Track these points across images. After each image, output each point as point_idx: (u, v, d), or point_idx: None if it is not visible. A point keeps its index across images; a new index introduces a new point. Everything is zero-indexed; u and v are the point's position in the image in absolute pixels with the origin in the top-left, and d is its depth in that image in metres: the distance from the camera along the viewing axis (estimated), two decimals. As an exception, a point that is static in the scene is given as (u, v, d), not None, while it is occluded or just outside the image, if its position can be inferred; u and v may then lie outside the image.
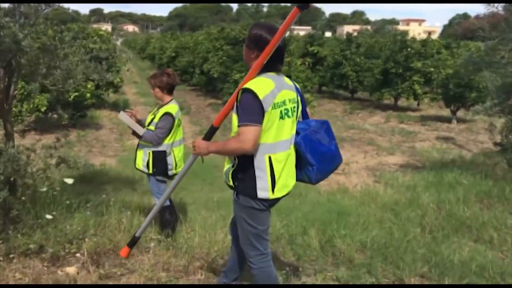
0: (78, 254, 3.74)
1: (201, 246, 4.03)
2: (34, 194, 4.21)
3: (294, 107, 2.67)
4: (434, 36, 41.58)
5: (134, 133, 4.35)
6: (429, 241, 4.63)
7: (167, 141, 4.35)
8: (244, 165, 2.56)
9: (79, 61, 4.14)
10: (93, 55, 4.36)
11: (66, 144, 4.27)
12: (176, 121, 4.37)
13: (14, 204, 3.79)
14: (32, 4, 3.88)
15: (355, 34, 25.53)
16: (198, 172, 8.19)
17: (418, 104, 18.69)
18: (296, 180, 2.77)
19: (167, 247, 4.02)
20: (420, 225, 5.16)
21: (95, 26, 19.86)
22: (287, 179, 2.64)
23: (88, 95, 12.45)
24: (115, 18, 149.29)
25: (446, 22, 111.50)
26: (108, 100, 16.30)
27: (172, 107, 4.39)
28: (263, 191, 2.55)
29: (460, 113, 15.37)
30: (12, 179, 3.76)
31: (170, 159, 4.38)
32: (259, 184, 2.55)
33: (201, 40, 22.30)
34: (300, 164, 2.71)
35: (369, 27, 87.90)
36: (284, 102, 2.57)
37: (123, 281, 3.47)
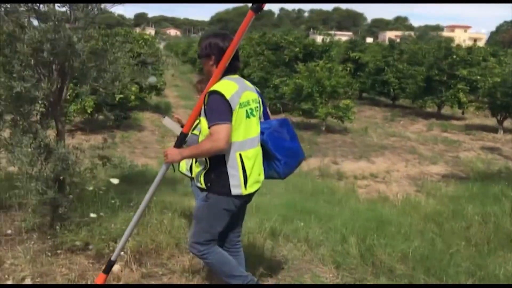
0: (121, 253, 3.83)
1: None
2: (81, 192, 4.35)
3: (256, 107, 2.81)
4: (480, 43, 40.38)
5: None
6: (474, 255, 4.50)
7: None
8: (216, 165, 2.66)
9: (127, 64, 4.25)
10: (140, 60, 4.46)
11: (112, 145, 4.38)
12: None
13: (62, 202, 3.92)
14: (84, 8, 4.02)
15: (397, 40, 25.08)
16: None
17: (462, 113, 18.19)
18: (265, 177, 2.86)
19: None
20: (465, 238, 5.01)
21: (139, 30, 20.34)
22: (257, 175, 2.76)
23: (132, 97, 12.78)
24: (159, 22, 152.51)
25: (492, 29, 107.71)
26: (150, 102, 16.66)
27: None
28: (237, 188, 2.65)
29: (507, 123, 14.85)
30: (61, 177, 3.90)
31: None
32: (232, 181, 2.65)
33: (242, 45, 22.45)
34: (268, 160, 2.83)
35: (412, 33, 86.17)
36: (248, 102, 2.71)
37: (164, 281, 3.53)
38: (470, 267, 4.05)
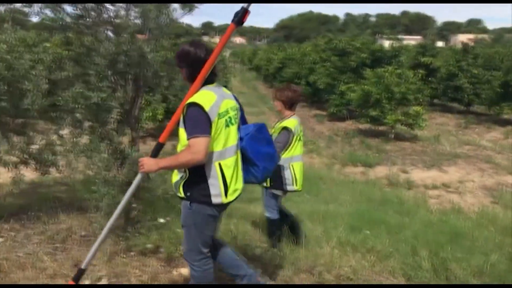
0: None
1: (306, 258, 4.01)
2: (152, 197, 4.50)
3: (235, 114, 2.83)
4: None
5: None
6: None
7: (285, 156, 4.25)
8: (196, 174, 2.68)
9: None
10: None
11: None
12: (295, 136, 4.27)
13: (134, 206, 4.08)
14: (155, 19, 4.17)
15: (471, 43, 23.92)
16: (303, 184, 8.20)
17: (544, 120, 17.01)
18: (244, 182, 2.88)
19: (273, 256, 4.06)
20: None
21: (208, 38, 20.87)
22: (237, 182, 2.80)
23: (200, 104, 13.09)
24: (224, 30, 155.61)
25: None
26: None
27: (291, 122, 4.27)
28: (217, 197, 2.70)
29: None
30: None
31: (287, 174, 4.26)
32: (212, 191, 2.69)
33: (308, 51, 22.41)
34: (247, 166, 2.87)
35: (486, 36, 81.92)
36: (227, 111, 2.73)
37: (232, 285, 3.57)
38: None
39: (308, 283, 3.67)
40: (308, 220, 5.85)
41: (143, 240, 3.99)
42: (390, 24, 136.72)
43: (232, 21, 2.64)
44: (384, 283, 3.76)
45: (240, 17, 2.61)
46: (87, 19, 3.91)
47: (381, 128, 14.60)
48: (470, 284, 3.51)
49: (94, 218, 4.49)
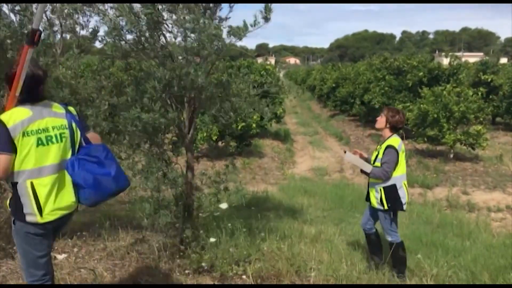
0: (243, 276, 3.95)
1: (361, 280, 3.94)
2: (206, 217, 4.60)
3: (62, 133, 2.72)
4: None
5: (363, 171, 4.43)
6: None
7: (395, 174, 4.30)
8: (14, 192, 2.63)
9: (248, 95, 4.45)
10: (264, 90, 4.64)
11: (233, 171, 4.59)
12: (401, 153, 4.32)
13: (188, 225, 4.18)
14: (211, 44, 4.31)
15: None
16: (357, 204, 8.08)
17: None
18: (79, 202, 2.79)
19: (327, 278, 4.02)
20: None
21: (260, 60, 21.18)
22: (56, 202, 2.68)
23: (254, 125, 13.26)
24: (279, 51, 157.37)
25: None
26: (270, 129, 17.12)
27: (394, 140, 4.36)
28: (31, 216, 2.61)
29: None
30: (185, 202, 4.17)
31: (402, 192, 4.31)
32: (25, 209, 2.61)
33: (362, 71, 22.18)
34: (75, 186, 2.75)
35: (555, 50, 77.68)
36: (44, 130, 2.64)
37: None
38: None
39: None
40: (363, 241, 5.74)
41: (197, 258, 4.07)
42: (449, 41, 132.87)
43: (26, 42, 2.57)
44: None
45: (30, 37, 2.54)
46: (146, 45, 4.11)
47: (439, 148, 14.12)
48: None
49: (150, 236, 4.66)
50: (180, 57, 4.08)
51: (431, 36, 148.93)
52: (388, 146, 4.29)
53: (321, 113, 28.76)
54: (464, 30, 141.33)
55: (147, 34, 4.05)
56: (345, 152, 4.54)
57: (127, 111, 3.95)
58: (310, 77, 40.68)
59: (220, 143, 13.45)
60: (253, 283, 3.78)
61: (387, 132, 4.43)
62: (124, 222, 5.23)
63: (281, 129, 19.02)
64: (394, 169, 4.27)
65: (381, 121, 4.46)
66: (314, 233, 5.53)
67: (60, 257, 4.20)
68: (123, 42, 4.09)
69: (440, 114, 13.13)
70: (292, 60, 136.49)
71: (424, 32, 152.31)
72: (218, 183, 4.52)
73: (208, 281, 3.85)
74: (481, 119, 13.71)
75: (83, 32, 4.91)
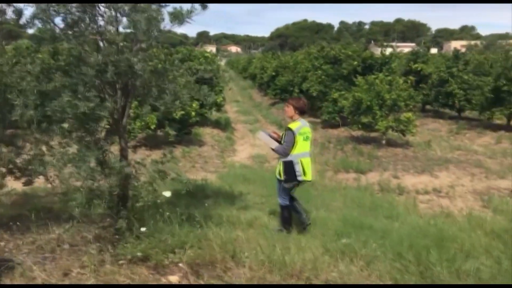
0: (180, 264, 3.94)
1: (294, 263, 4.05)
2: (141, 206, 4.54)
3: None
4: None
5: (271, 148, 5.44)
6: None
7: (292, 152, 5.25)
8: None
9: (186, 83, 4.42)
10: (198, 76, 4.62)
11: (172, 160, 4.55)
12: (297, 135, 5.23)
13: (122, 215, 4.11)
14: (145, 31, 4.23)
15: (463, 50, 24.15)
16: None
17: (535, 124, 17.15)
18: None
19: (262, 262, 4.09)
20: (535, 257, 4.70)
21: (200, 47, 21.00)
22: None
23: (193, 113, 13.15)
24: (220, 39, 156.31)
25: None
26: (211, 118, 17.05)
27: (294, 124, 5.32)
28: None
29: None
30: (121, 191, 4.10)
31: (297, 167, 5.28)
32: None
33: (301, 60, 22.55)
34: None
35: (478, 42, 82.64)
36: None
37: (220, 293, 3.60)
38: (540, 288, 3.80)
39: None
40: (296, 226, 5.90)
41: (131, 248, 4.02)
42: (384, 32, 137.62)
43: None
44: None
45: None
46: (76, 29, 3.96)
47: (373, 134, 14.69)
48: (470, 284, 3.54)
49: (83, 227, 4.54)
50: (115, 43, 3.96)
51: (367, 26, 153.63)
52: (287, 129, 5.28)
53: (261, 101, 28.98)
54: (398, 21, 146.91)
55: (79, 15, 3.91)
56: (259, 131, 5.44)
57: (56, 98, 3.80)
58: (251, 66, 40.79)
59: (158, 132, 13.24)
60: (188, 270, 3.79)
61: (295, 116, 5.39)
62: (55, 214, 5.06)
63: (221, 118, 18.99)
64: (292, 148, 5.20)
65: (288, 110, 5.41)
66: (250, 219, 5.61)
67: (-15, 251, 4.01)
68: (52, 25, 3.93)
69: (373, 102, 13.63)
70: (234, 49, 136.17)
71: (360, 23, 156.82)
72: (154, 172, 4.47)
73: (143, 270, 3.81)
74: (411, 106, 14.39)
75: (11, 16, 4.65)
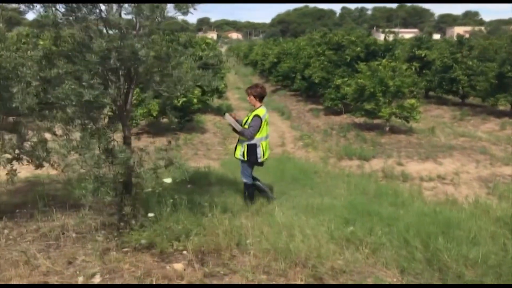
0: (184, 252, 3.93)
1: (300, 251, 4.03)
2: (144, 193, 4.51)
3: None
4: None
5: (235, 130, 5.85)
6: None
7: (257, 136, 5.81)
8: None
9: (190, 69, 4.35)
10: (202, 62, 4.55)
11: (175, 147, 4.51)
12: (263, 121, 5.82)
13: (126, 202, 4.08)
14: (149, 16, 4.16)
15: (466, 36, 23.92)
16: (298, 177, 8.23)
17: (539, 111, 17.05)
18: None
19: (267, 250, 4.07)
20: (541, 244, 4.66)
21: (201, 34, 20.88)
22: None
23: (195, 100, 13.09)
24: (221, 26, 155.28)
25: None
26: (212, 105, 16.98)
27: (261, 111, 5.88)
28: None
29: None
30: (125, 179, 4.06)
31: (259, 150, 5.88)
32: None
33: (303, 46, 22.38)
34: None
35: (482, 28, 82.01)
36: None
37: (226, 280, 3.58)
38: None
39: (303, 276, 3.69)
40: (303, 213, 5.87)
41: (136, 236, 4.00)
42: (386, 18, 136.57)
43: None
44: (377, 274, 3.78)
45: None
46: (78, 15, 3.89)
47: (376, 121, 14.62)
48: (470, 284, 3.51)
49: (88, 215, 4.51)
50: (118, 28, 3.89)
51: (369, 12, 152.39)
52: (255, 115, 5.81)
53: (263, 88, 28.82)
54: (401, 6, 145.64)
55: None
56: (224, 113, 5.97)
57: (60, 85, 3.74)
58: (252, 52, 40.54)
59: (160, 119, 13.19)
60: (193, 258, 3.76)
61: (257, 104, 5.94)
62: (59, 201, 5.03)
63: (223, 104, 18.92)
64: (257, 132, 5.77)
65: (251, 99, 5.98)
66: (255, 207, 5.58)
67: (-11, 239, 3.99)
68: (54, 11, 3.86)
69: (376, 89, 13.54)
70: (235, 35, 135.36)
71: (362, 9, 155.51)
72: (158, 159, 4.43)
73: (148, 258, 3.79)
74: (415, 93, 14.30)
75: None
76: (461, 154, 11.10)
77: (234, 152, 6.12)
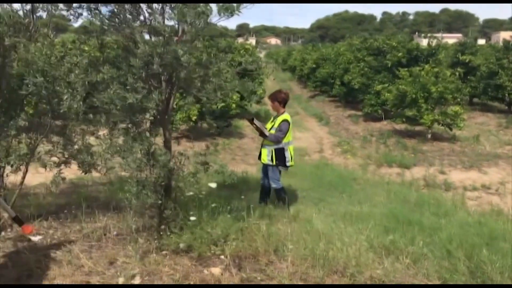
0: (222, 256, 3.95)
1: (338, 259, 3.97)
2: (185, 197, 4.57)
3: None
4: None
5: (262, 134, 5.94)
6: None
7: (284, 141, 5.92)
8: None
9: (229, 75, 4.39)
10: (242, 68, 4.58)
11: (214, 152, 4.56)
12: (291, 125, 5.96)
13: (167, 205, 4.15)
14: (192, 22, 4.21)
15: (513, 40, 23.04)
16: (336, 184, 8.14)
17: None
18: None
19: (305, 257, 4.04)
20: None
21: (240, 40, 21.02)
22: None
23: (234, 105, 13.18)
24: (259, 32, 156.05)
25: None
26: (250, 110, 17.05)
27: (287, 116, 6.04)
28: None
29: None
30: (166, 182, 4.13)
31: (287, 154, 5.98)
32: None
33: (343, 51, 22.18)
34: None
35: (531, 32, 78.89)
36: None
37: (263, 287, 3.57)
38: None
39: (340, 284, 3.64)
40: (341, 221, 5.79)
41: (175, 239, 4.05)
42: (429, 22, 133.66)
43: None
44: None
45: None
46: (124, 22, 4.00)
47: (417, 128, 14.29)
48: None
49: (129, 217, 4.61)
50: (162, 34, 3.97)
51: (411, 17, 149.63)
52: (284, 120, 5.92)
53: (301, 93, 28.75)
54: (444, 11, 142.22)
55: (126, 7, 3.94)
56: (253, 118, 5.97)
57: (105, 90, 3.86)
58: (291, 58, 40.51)
59: (200, 124, 13.36)
60: (230, 263, 3.78)
61: (281, 109, 6.08)
62: (102, 203, 5.17)
63: (261, 110, 18.96)
64: (285, 137, 5.89)
65: (275, 105, 6.11)
66: (293, 213, 5.55)
67: (35, 238, 4.14)
68: (101, 17, 3.98)
69: (418, 95, 13.25)
70: (273, 41, 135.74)
71: (404, 13, 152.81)
72: (197, 163, 4.48)
73: (186, 261, 3.84)
74: (459, 99, 13.89)
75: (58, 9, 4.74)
76: (507, 163, 10.69)
77: (260, 157, 6.17)
